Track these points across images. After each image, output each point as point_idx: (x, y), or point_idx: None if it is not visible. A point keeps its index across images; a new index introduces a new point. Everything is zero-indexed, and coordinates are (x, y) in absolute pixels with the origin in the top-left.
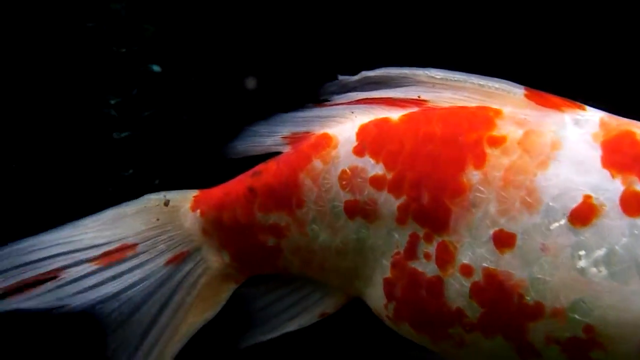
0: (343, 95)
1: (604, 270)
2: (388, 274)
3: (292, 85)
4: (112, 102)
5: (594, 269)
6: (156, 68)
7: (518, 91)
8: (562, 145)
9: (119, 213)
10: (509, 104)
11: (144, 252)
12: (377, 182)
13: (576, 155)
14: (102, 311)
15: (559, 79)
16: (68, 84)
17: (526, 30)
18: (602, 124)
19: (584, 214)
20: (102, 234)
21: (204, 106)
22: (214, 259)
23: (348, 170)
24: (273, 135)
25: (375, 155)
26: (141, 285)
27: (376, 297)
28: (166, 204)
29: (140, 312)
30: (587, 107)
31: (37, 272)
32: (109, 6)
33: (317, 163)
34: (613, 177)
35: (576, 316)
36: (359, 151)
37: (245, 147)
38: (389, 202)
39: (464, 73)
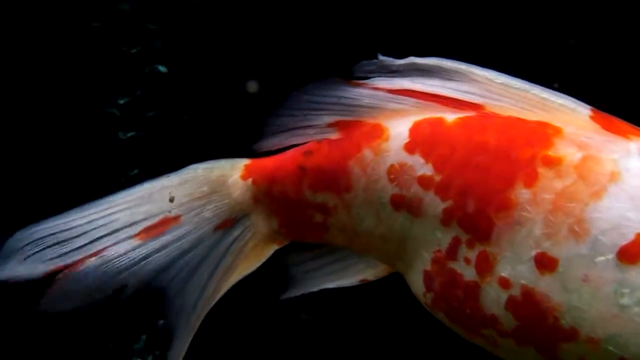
0: (386, 78)
1: None
2: (428, 267)
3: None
4: (121, 102)
5: (636, 309)
6: (162, 69)
7: (583, 111)
8: (621, 177)
9: (156, 186)
10: (572, 124)
11: (189, 222)
12: (424, 182)
13: (634, 190)
14: (160, 283)
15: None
16: (74, 84)
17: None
18: None
19: (633, 252)
20: (140, 210)
21: (209, 107)
22: (262, 224)
23: (397, 165)
24: (316, 126)
25: (425, 155)
26: (193, 252)
27: (416, 283)
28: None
29: (194, 276)
30: None
31: (77, 257)
32: (117, 7)
33: (368, 153)
34: None
35: (611, 348)
36: (410, 148)
37: (283, 139)
38: (434, 203)
39: (526, 82)
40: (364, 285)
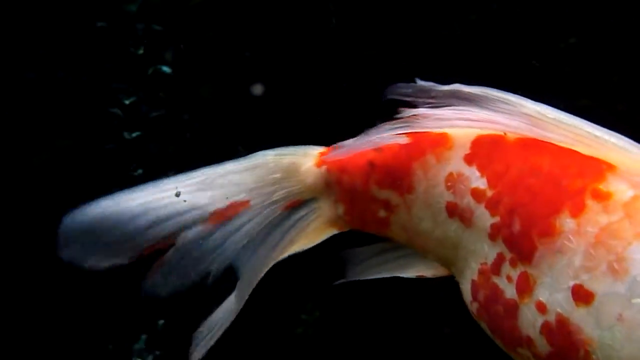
0: (428, 106)
1: None
2: (475, 278)
3: (297, 89)
4: (126, 102)
5: None
6: (166, 69)
7: (636, 150)
8: None
9: (219, 171)
10: (626, 162)
11: (259, 207)
12: (477, 195)
13: None
14: (238, 263)
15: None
16: (80, 84)
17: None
18: None
19: None
20: (204, 194)
21: (211, 107)
22: (328, 209)
23: (455, 174)
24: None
25: (481, 168)
26: (262, 230)
27: (465, 291)
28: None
29: (259, 252)
30: None
31: (148, 244)
32: (123, 8)
33: (431, 158)
34: None
35: None
36: (469, 160)
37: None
38: (484, 217)
39: (577, 117)
40: (364, 286)
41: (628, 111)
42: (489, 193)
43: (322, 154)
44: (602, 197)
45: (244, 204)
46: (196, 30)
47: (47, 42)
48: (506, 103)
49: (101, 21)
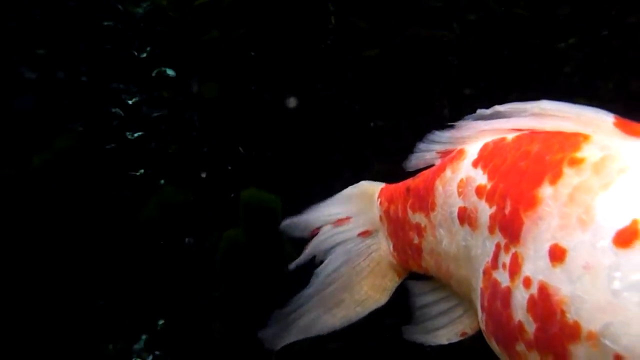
0: (471, 122)
1: (635, 296)
2: (481, 284)
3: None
4: (130, 102)
5: (626, 293)
6: (170, 72)
7: (608, 119)
8: (629, 170)
9: (339, 198)
10: (600, 132)
11: (352, 223)
12: (479, 191)
13: (637, 181)
14: (329, 256)
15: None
16: (81, 85)
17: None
18: None
19: (627, 237)
20: (338, 209)
21: (213, 108)
22: (384, 244)
23: (464, 179)
24: (431, 151)
25: (484, 166)
26: (345, 243)
27: (478, 311)
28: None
29: (342, 267)
30: None
31: (310, 230)
32: (130, 10)
33: (448, 172)
34: None
35: (607, 342)
36: (475, 163)
37: (416, 162)
38: (484, 211)
39: (568, 104)
40: None
41: (626, 112)
42: (489, 186)
43: (382, 188)
44: (577, 162)
45: (348, 219)
46: (200, 30)
47: (46, 42)
48: (522, 110)
49: (109, 24)
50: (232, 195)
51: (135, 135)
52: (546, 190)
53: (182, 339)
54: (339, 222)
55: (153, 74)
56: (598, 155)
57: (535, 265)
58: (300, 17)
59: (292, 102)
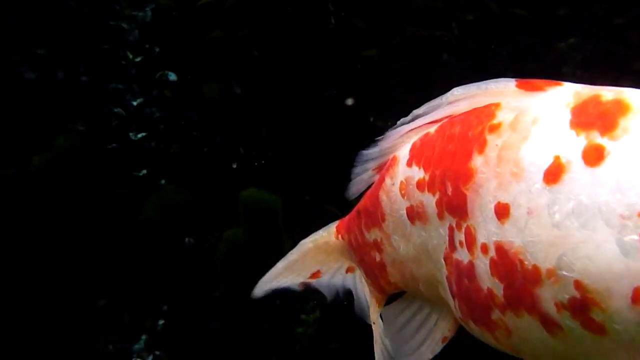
0: (395, 130)
1: (575, 222)
2: (446, 272)
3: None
4: (135, 103)
5: (567, 222)
6: (172, 76)
7: (511, 84)
8: (540, 118)
9: (301, 255)
10: (507, 97)
11: (326, 273)
12: (420, 185)
13: (549, 124)
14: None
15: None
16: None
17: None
18: (575, 94)
19: (554, 172)
20: (307, 265)
21: (214, 109)
22: (360, 274)
23: (404, 180)
24: (367, 171)
25: (418, 162)
26: (337, 285)
27: (450, 302)
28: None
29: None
30: (565, 83)
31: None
32: (134, 14)
33: (388, 180)
34: (577, 135)
35: (564, 273)
36: (409, 163)
37: (356, 188)
38: (429, 201)
39: (475, 83)
40: None
41: None
42: (427, 177)
43: (337, 226)
44: (495, 128)
45: (318, 272)
46: (203, 30)
47: (46, 42)
48: (440, 103)
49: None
50: (232, 195)
51: (139, 135)
52: (477, 160)
53: (182, 339)
54: (313, 276)
55: (156, 77)
56: (511, 116)
57: (487, 229)
58: (300, 17)
59: (349, 101)
